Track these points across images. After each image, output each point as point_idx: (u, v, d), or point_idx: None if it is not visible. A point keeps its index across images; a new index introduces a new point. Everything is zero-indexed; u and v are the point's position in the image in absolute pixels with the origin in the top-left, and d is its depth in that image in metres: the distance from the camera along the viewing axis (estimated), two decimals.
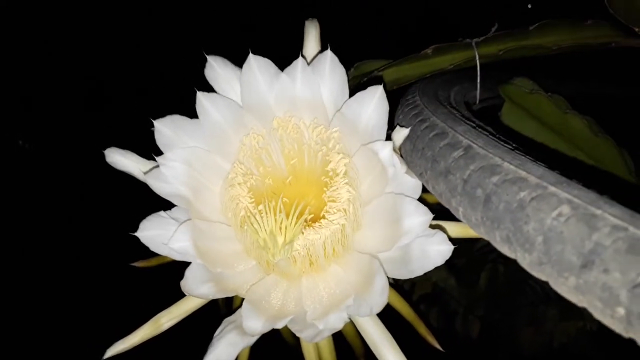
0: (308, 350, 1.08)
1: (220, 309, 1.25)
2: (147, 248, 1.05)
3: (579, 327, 1.84)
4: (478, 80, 1.50)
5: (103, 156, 1.11)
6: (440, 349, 1.09)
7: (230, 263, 1.10)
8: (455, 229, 1.02)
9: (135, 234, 1.00)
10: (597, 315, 0.52)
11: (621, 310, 0.48)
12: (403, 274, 0.99)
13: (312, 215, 1.08)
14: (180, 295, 1.09)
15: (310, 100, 1.09)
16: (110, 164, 1.11)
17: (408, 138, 0.99)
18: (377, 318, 1.03)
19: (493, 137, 0.79)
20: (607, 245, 0.51)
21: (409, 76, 1.53)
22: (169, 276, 1.09)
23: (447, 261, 0.93)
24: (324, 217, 1.07)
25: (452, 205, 0.77)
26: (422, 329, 1.10)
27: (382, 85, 0.99)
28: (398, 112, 1.13)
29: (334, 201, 1.07)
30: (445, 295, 2.02)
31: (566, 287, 0.54)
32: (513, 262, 0.66)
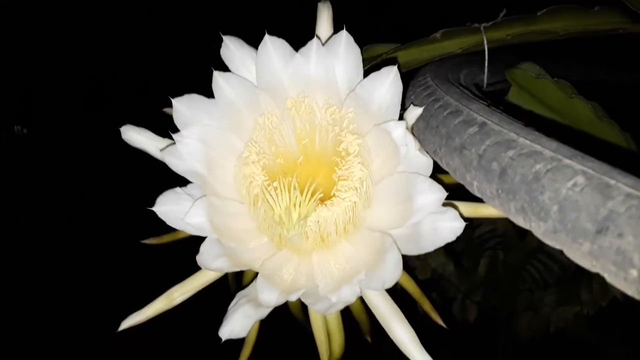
0: (317, 325, 1.11)
1: (231, 286, 1.27)
2: (157, 226, 1.08)
3: (576, 312, 1.87)
4: (486, 64, 1.52)
5: (111, 137, 1.14)
6: (444, 325, 1.11)
7: (243, 239, 1.13)
8: (466, 209, 1.04)
9: (153, 208, 1.02)
10: (611, 279, 0.54)
11: (634, 272, 0.50)
12: (412, 250, 1.01)
13: (322, 195, 1.10)
14: (191, 271, 1.13)
15: (324, 80, 1.11)
16: (126, 141, 1.14)
17: (421, 117, 1.01)
18: (386, 293, 1.05)
19: (506, 115, 0.81)
20: (621, 212, 0.53)
21: (417, 60, 1.54)
22: (180, 253, 1.11)
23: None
24: (335, 195, 1.09)
25: (467, 179, 0.79)
26: (427, 306, 1.13)
27: (396, 66, 1.01)
28: (409, 93, 1.15)
29: (345, 179, 1.09)
30: (443, 281, 2.04)
31: (580, 253, 0.57)
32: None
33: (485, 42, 1.50)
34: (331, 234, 1.09)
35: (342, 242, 1.11)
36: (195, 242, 1.06)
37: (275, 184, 1.09)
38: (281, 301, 0.97)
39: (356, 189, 1.08)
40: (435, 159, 0.95)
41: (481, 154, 0.75)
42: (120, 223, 1.73)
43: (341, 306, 0.95)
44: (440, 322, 1.12)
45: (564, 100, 1.45)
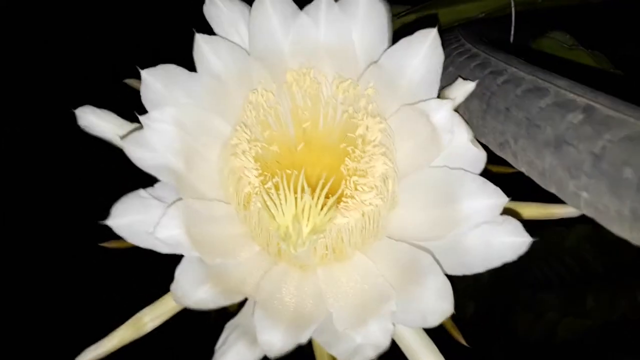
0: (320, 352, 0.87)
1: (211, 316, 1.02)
2: None
3: (579, 314, 1.69)
4: (512, 32, 1.28)
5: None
6: (465, 344, 0.89)
7: (231, 250, 0.88)
8: (532, 210, 0.81)
9: (106, 222, 0.75)
10: None
11: None
12: (455, 269, 0.79)
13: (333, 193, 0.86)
14: (167, 284, 0.86)
15: (337, 48, 0.86)
16: (84, 127, 0.86)
17: (474, 95, 0.77)
18: None
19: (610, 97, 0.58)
20: None
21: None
22: (150, 260, 0.85)
23: None
24: (350, 195, 0.85)
25: (568, 188, 0.56)
26: (448, 324, 0.90)
27: (435, 29, 0.76)
28: (446, 63, 0.90)
29: (364, 176, 0.85)
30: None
31: None
32: None
33: (512, 5, 1.27)
34: (345, 244, 0.85)
35: (355, 253, 0.87)
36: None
37: (274, 180, 0.84)
38: (289, 343, 0.72)
39: (378, 188, 0.84)
40: (499, 154, 0.71)
41: (598, 153, 0.51)
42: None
43: (371, 353, 0.71)
44: (462, 340, 0.90)
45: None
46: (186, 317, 0.88)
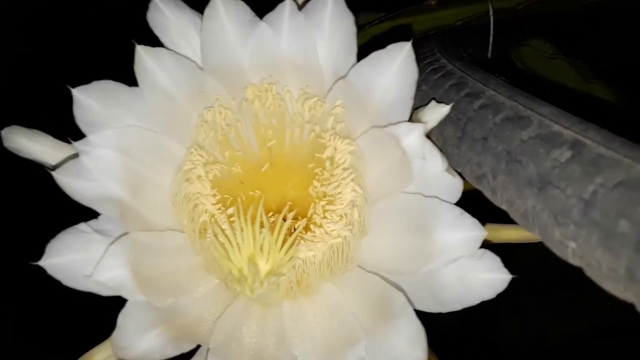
0: None
1: None
2: None
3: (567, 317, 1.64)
4: (490, 41, 1.22)
5: None
6: None
7: (186, 285, 0.80)
8: (510, 233, 0.74)
9: (40, 263, 0.66)
10: None
11: None
12: (429, 306, 0.73)
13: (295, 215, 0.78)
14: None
15: (301, 61, 0.78)
16: (12, 150, 0.76)
17: (450, 120, 0.70)
18: None
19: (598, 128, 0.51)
20: None
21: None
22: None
23: None
24: (317, 223, 0.78)
25: (554, 236, 0.49)
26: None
27: (410, 42, 0.69)
28: (419, 80, 0.83)
29: (332, 203, 0.78)
30: None
31: None
32: None
33: (491, 13, 1.21)
34: (310, 277, 0.78)
35: (324, 285, 0.80)
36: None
37: (228, 211, 0.76)
38: None
39: (346, 216, 0.77)
40: (476, 186, 0.65)
41: (588, 199, 0.45)
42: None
43: None
44: None
45: (581, 85, 1.20)
46: None
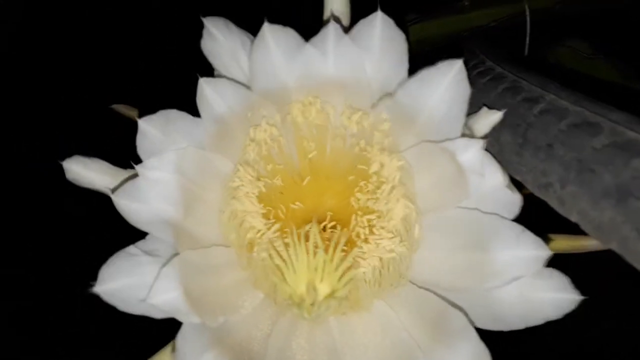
0: None
1: None
2: None
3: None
4: (527, 42, 1.20)
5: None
6: None
7: (234, 303, 0.79)
8: (559, 243, 0.72)
9: (94, 289, 0.65)
10: None
11: None
12: (487, 324, 0.71)
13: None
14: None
15: (349, 81, 0.77)
16: (72, 181, 0.76)
17: (508, 125, 0.67)
18: None
19: None
20: None
21: (435, 36, 1.22)
22: None
23: None
24: (364, 237, 0.75)
25: (637, 250, 0.46)
26: None
27: (461, 60, 0.67)
28: None
29: (382, 218, 0.76)
30: None
31: None
32: None
33: (527, 12, 1.19)
34: (360, 293, 0.76)
35: (374, 302, 0.78)
36: None
37: (279, 226, 0.75)
38: None
39: (399, 232, 0.74)
40: (540, 195, 0.62)
41: None
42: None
43: None
44: None
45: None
46: None
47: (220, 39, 0.77)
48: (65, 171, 0.76)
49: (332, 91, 0.79)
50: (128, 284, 0.68)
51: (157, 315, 0.68)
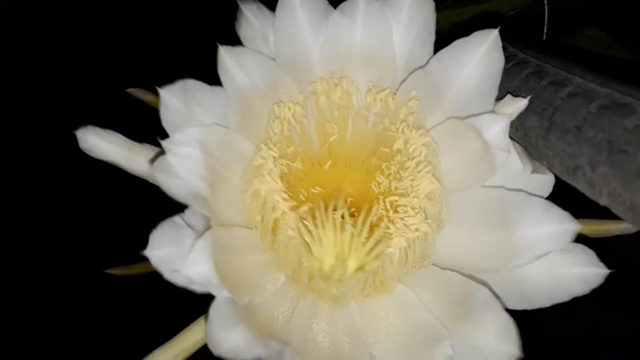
0: None
1: None
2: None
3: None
4: (545, 31, 1.19)
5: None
6: None
7: (256, 283, 0.78)
8: (584, 227, 0.72)
9: (146, 252, 0.65)
10: None
11: None
12: (515, 303, 0.70)
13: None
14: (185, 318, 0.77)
15: (375, 51, 0.76)
16: (86, 151, 0.76)
17: (533, 110, 0.68)
18: None
19: None
20: None
21: (454, 25, 1.22)
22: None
23: None
24: (389, 218, 0.76)
25: None
26: None
27: (496, 30, 0.67)
28: None
29: (405, 196, 0.76)
30: None
31: None
32: None
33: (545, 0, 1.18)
34: (385, 274, 0.76)
35: (397, 285, 0.78)
36: None
37: (304, 207, 0.75)
38: None
39: (424, 210, 0.75)
40: (567, 179, 0.63)
41: None
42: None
43: None
44: None
45: None
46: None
47: (255, 23, 0.77)
48: (79, 141, 0.75)
49: (357, 64, 0.78)
50: (173, 252, 0.67)
51: (196, 288, 0.67)
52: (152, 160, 0.70)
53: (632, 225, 0.64)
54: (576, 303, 0.67)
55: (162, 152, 0.68)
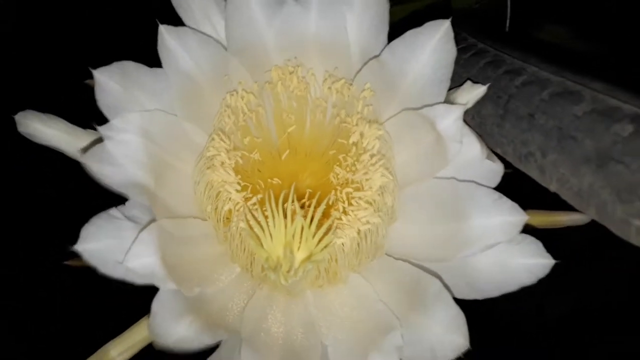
0: None
1: None
2: None
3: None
4: (507, 25, 1.20)
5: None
6: None
7: (209, 274, 0.77)
8: (534, 219, 0.72)
9: (76, 247, 0.64)
10: None
11: None
12: (464, 292, 0.71)
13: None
14: (139, 310, 0.75)
15: (330, 40, 0.75)
16: (26, 135, 0.73)
17: (489, 98, 0.68)
18: None
19: None
20: None
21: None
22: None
23: None
24: (343, 210, 0.75)
25: (616, 214, 0.47)
26: None
27: (448, 20, 0.66)
28: None
29: (359, 189, 0.76)
30: None
31: None
32: None
33: None
34: (337, 265, 0.76)
35: (351, 275, 0.78)
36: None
37: (257, 197, 0.74)
38: None
39: (375, 203, 0.74)
40: (519, 166, 0.63)
41: None
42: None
43: None
44: None
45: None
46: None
47: None
48: (18, 125, 0.73)
49: (312, 53, 0.77)
50: (108, 245, 0.65)
51: (136, 280, 0.66)
52: (85, 149, 0.68)
53: (583, 216, 0.64)
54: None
55: (99, 140, 0.66)
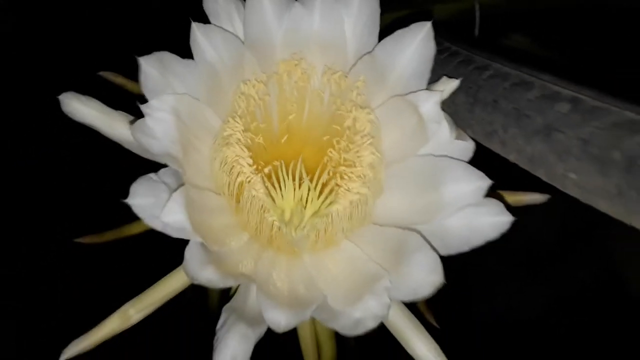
0: (305, 334, 0.91)
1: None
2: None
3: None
4: (476, 31, 1.36)
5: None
6: (437, 325, 0.95)
7: (222, 239, 0.89)
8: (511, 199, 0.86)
9: (127, 200, 0.75)
10: None
11: None
12: (439, 250, 0.83)
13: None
14: (152, 277, 0.89)
15: (330, 38, 0.89)
16: (67, 113, 0.85)
17: (461, 90, 0.82)
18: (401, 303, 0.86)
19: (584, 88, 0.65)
20: None
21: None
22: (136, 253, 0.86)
23: None
24: (337, 183, 0.88)
25: (557, 171, 0.62)
26: (422, 305, 0.96)
27: (430, 22, 0.81)
28: None
29: (352, 165, 0.89)
30: None
31: None
32: None
33: (477, 8, 1.34)
34: (333, 229, 0.89)
35: (342, 240, 0.91)
36: (155, 238, 0.81)
37: (266, 170, 0.87)
38: (293, 321, 0.75)
39: (365, 176, 0.88)
40: (485, 143, 0.77)
41: (587, 138, 0.58)
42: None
43: (371, 323, 0.75)
44: (433, 322, 0.95)
45: None
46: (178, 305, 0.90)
47: (219, 1, 0.89)
48: (62, 104, 0.85)
49: (314, 50, 0.91)
50: (150, 202, 0.76)
51: (172, 233, 0.77)
52: (132, 122, 0.81)
53: (541, 196, 0.79)
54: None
55: (139, 118, 0.79)
